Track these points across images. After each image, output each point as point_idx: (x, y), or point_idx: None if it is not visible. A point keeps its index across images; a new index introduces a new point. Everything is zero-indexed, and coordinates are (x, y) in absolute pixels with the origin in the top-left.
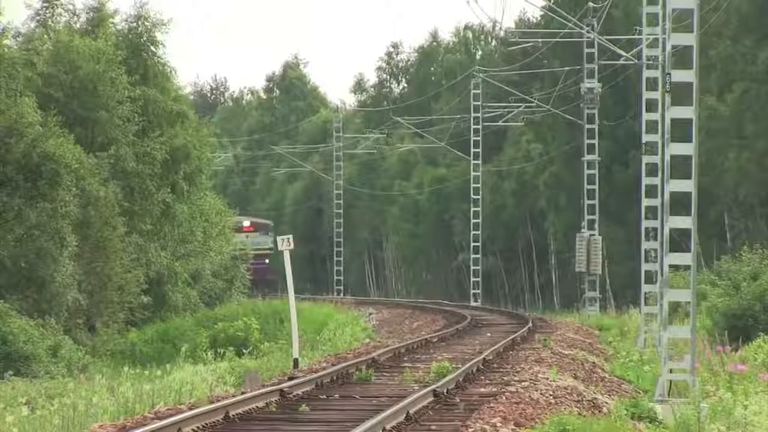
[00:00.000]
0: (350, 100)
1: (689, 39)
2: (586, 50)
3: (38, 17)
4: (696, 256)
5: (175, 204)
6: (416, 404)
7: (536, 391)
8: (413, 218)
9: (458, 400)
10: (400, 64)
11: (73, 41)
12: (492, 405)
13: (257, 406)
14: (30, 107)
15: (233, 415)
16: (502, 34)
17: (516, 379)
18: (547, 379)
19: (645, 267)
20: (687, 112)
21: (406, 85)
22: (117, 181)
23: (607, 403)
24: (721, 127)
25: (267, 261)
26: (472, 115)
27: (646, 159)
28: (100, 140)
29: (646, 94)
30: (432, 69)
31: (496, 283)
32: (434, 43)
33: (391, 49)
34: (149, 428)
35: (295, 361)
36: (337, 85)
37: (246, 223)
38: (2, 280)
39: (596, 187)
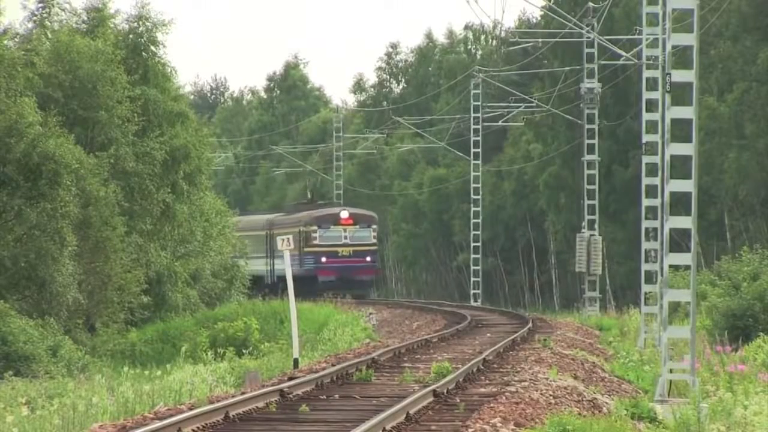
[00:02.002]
0: (350, 100)
1: (689, 39)
2: (586, 50)
3: (35, 17)
4: (696, 256)
5: (175, 204)
6: (416, 404)
7: (536, 391)
8: (413, 218)
9: (458, 400)
10: (400, 65)
11: (73, 41)
12: (492, 405)
13: (257, 407)
14: (30, 107)
15: (233, 416)
16: (502, 34)
17: (516, 379)
18: (547, 379)
19: (645, 267)
20: (687, 112)
21: (405, 85)
22: (117, 181)
23: (607, 403)
24: (721, 127)
25: (368, 258)
26: (472, 115)
27: (646, 159)
28: (100, 140)
29: (646, 94)
30: (430, 69)
31: (496, 283)
32: (430, 44)
33: (390, 50)
34: (149, 428)
35: (295, 361)
36: (337, 85)
37: (344, 214)
38: (2, 280)
39: (596, 187)
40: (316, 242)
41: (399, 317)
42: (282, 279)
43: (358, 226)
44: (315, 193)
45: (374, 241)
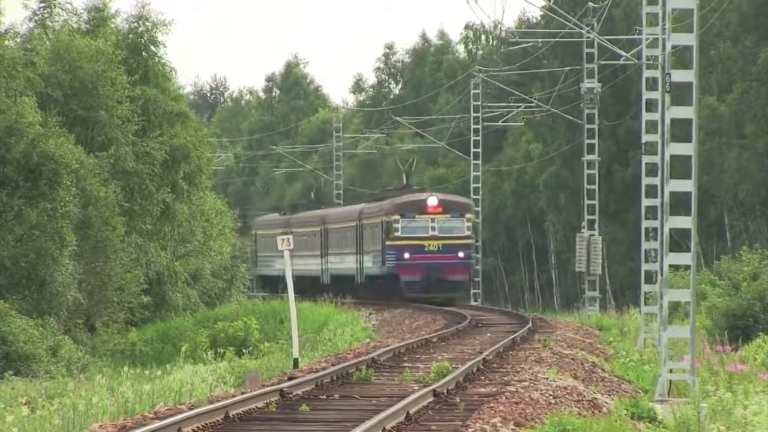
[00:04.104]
0: (350, 100)
1: (689, 39)
2: (586, 50)
3: (36, 17)
4: (696, 256)
5: (175, 204)
6: (416, 404)
7: (536, 391)
8: None
9: (458, 400)
10: (398, 65)
11: (73, 41)
12: (492, 405)
13: (257, 406)
14: (30, 107)
15: (233, 415)
16: (502, 34)
17: (516, 379)
18: (547, 379)
19: (645, 267)
20: (687, 112)
21: (403, 86)
22: (117, 181)
23: (607, 403)
24: (721, 127)
25: (461, 254)
26: (472, 115)
27: (646, 159)
28: (100, 140)
29: (646, 94)
30: (426, 69)
31: (496, 283)
32: (426, 44)
33: (388, 50)
34: (149, 428)
35: (295, 361)
36: (337, 85)
37: (432, 201)
38: (2, 280)
39: (596, 187)
40: (397, 234)
41: (399, 317)
42: (372, 279)
43: (448, 216)
44: (410, 177)
45: (468, 233)
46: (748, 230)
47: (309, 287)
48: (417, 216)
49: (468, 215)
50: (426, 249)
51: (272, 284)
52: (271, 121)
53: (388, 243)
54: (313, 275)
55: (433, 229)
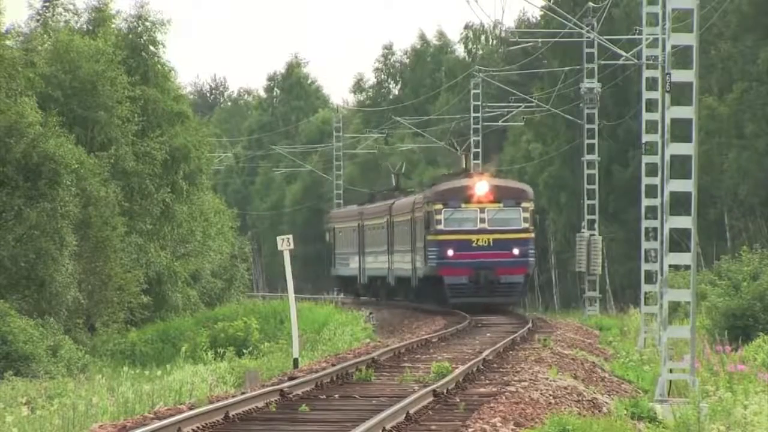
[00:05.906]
0: (351, 100)
1: (689, 39)
2: (586, 50)
3: (39, 17)
4: (696, 256)
5: (175, 204)
6: (416, 404)
7: (536, 391)
8: None
9: (458, 400)
10: (396, 65)
11: (73, 41)
12: (492, 405)
13: (257, 406)
14: (30, 107)
15: (233, 415)
16: (502, 34)
17: (516, 379)
18: (547, 379)
19: (645, 267)
20: (687, 112)
21: (401, 87)
22: (117, 181)
23: (607, 403)
24: (721, 127)
25: (516, 251)
26: (472, 114)
27: (646, 159)
28: (100, 140)
29: (646, 94)
30: (426, 69)
31: None
32: (425, 44)
33: (386, 50)
34: (149, 428)
35: (295, 361)
36: (337, 85)
37: (481, 188)
38: (2, 280)
39: (596, 187)
40: (440, 228)
41: (399, 317)
42: (422, 281)
43: (501, 204)
44: (469, 162)
45: (526, 225)
46: (748, 230)
47: (379, 289)
48: (463, 205)
49: (525, 204)
50: (474, 245)
51: (350, 286)
52: (271, 121)
53: (428, 238)
54: (382, 275)
55: (483, 221)
